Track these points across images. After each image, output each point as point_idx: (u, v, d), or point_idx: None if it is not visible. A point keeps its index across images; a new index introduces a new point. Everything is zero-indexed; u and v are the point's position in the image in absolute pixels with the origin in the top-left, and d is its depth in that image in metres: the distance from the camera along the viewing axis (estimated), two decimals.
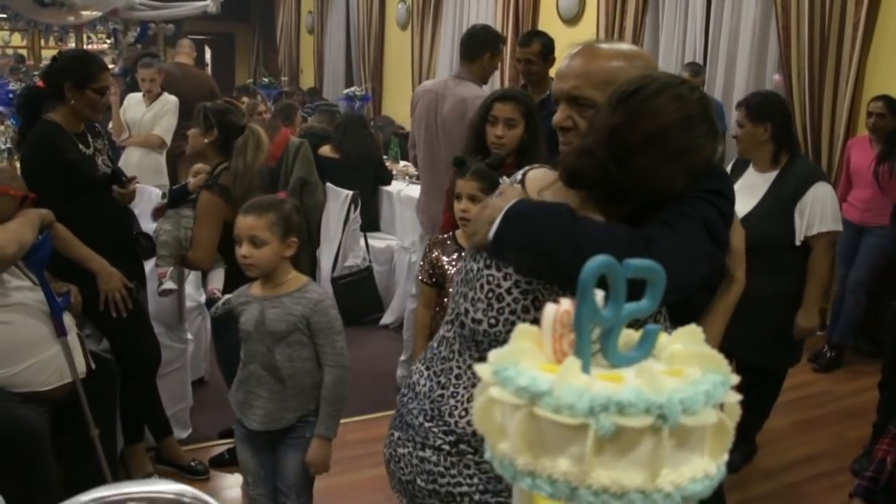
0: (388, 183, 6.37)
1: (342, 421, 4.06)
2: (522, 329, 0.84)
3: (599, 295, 0.81)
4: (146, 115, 6.14)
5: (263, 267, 2.45)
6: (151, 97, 6.19)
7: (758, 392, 3.57)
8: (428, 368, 1.73)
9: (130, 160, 5.83)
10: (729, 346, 3.45)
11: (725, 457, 0.77)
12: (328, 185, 5.83)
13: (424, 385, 1.70)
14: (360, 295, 5.73)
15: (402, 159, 7.10)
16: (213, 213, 3.27)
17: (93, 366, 2.98)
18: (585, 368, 0.75)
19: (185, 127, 6.41)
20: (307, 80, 13.50)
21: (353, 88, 8.40)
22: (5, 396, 2.65)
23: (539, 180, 1.62)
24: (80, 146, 3.20)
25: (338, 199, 5.72)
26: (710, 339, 1.63)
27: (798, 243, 3.31)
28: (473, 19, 8.56)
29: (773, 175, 3.38)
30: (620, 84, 1.49)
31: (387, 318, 5.68)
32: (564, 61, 1.66)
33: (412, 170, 6.17)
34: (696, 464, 0.73)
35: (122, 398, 3.29)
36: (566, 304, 0.79)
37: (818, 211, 3.28)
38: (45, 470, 2.65)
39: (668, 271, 1.42)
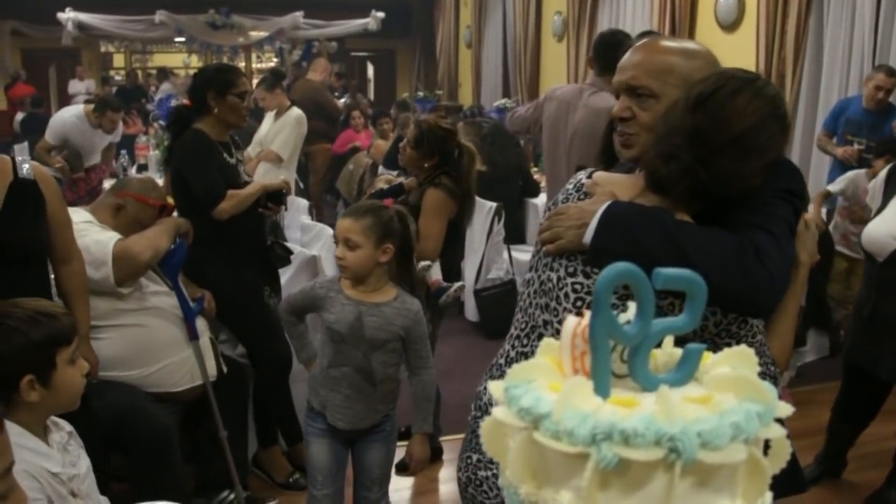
0: (536, 195, 6.26)
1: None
2: (548, 343, 0.76)
3: (633, 308, 0.72)
4: (270, 130, 6.20)
5: (355, 269, 2.46)
6: (277, 113, 6.21)
7: None
8: None
9: (255, 175, 5.71)
10: (874, 366, 3.19)
11: (767, 499, 0.66)
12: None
13: None
14: (502, 307, 5.66)
15: None
16: (443, 208, 3.43)
17: (225, 370, 3.08)
18: (601, 390, 0.66)
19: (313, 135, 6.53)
20: (465, 94, 13.62)
21: (503, 100, 8.37)
22: (139, 395, 2.77)
23: (613, 183, 1.55)
24: (226, 154, 3.32)
25: (482, 211, 5.68)
26: (787, 327, 1.61)
27: None
28: (629, 28, 8.32)
29: None
30: (695, 83, 1.48)
31: None
32: (625, 55, 1.68)
33: None
34: None
35: (257, 402, 3.39)
36: (589, 316, 0.70)
37: None
38: (174, 466, 2.75)
39: (776, 283, 1.38)
